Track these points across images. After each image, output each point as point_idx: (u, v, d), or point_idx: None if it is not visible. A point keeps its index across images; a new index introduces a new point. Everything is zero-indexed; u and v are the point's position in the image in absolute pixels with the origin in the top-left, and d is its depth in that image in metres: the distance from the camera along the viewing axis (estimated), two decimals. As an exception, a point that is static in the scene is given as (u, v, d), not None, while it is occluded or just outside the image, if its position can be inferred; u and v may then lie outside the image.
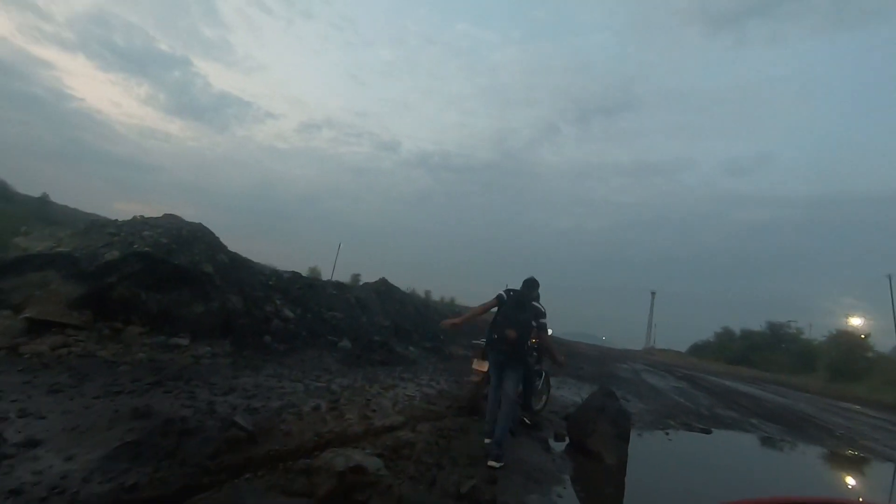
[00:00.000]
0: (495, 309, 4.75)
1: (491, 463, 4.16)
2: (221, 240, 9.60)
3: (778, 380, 32.23)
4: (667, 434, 7.92)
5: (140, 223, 8.69)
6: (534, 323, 4.62)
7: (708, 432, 8.82)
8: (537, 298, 4.82)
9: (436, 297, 53.02)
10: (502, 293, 4.69)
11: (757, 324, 54.73)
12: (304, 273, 17.42)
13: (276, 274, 10.93)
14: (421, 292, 50.09)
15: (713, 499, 4.41)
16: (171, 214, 9.65)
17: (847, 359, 38.87)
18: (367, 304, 12.64)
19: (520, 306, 4.56)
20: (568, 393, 10.47)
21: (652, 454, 6.36)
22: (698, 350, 68.55)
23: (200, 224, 9.32)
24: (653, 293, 71.08)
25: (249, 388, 5.31)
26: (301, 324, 9.37)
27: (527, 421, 5.98)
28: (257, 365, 6.77)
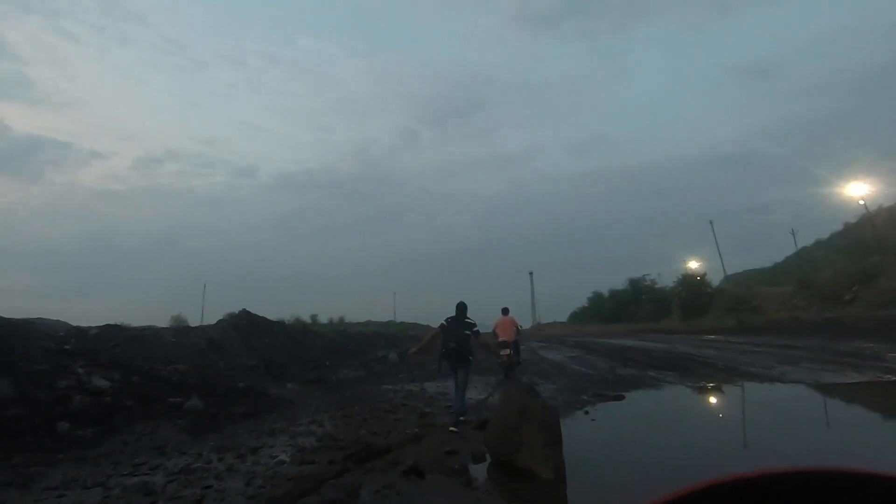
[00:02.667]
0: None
1: (453, 427, 5.94)
2: None
3: (649, 328, 35.75)
4: (586, 413, 7.25)
5: None
6: (468, 332, 6.43)
7: (621, 398, 8.47)
8: (466, 314, 6.64)
9: (323, 319, 49.60)
10: (444, 322, 6.58)
11: (620, 283, 60.52)
12: (167, 324, 14.18)
13: (76, 333, 8.12)
14: (307, 317, 46.44)
15: (680, 481, 3.66)
16: None
17: (693, 297, 44.53)
18: (224, 345, 10.30)
19: (457, 325, 6.46)
20: (474, 391, 9.47)
21: (584, 445, 5.52)
22: (577, 317, 73.99)
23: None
24: (531, 273, 75.27)
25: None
26: (123, 392, 6.95)
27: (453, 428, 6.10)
28: (33, 475, 4.47)
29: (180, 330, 10.35)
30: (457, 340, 6.30)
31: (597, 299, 68.62)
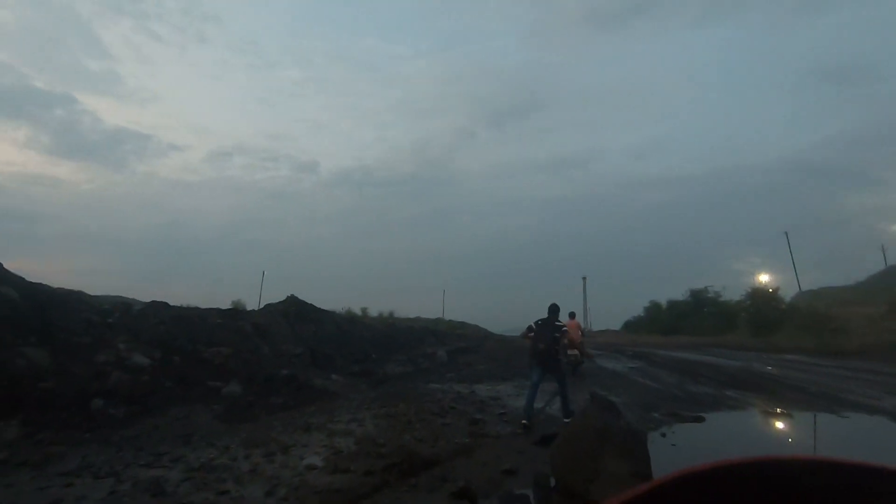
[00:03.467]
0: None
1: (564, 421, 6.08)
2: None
3: (714, 342, 33.07)
4: (663, 436, 6.23)
5: None
6: (557, 335, 6.45)
7: (700, 420, 7.33)
8: (557, 317, 6.75)
9: (373, 312, 49.96)
10: (532, 324, 6.59)
11: (679, 293, 57.10)
12: (227, 307, 14.31)
13: (122, 307, 8.00)
14: (357, 310, 46.93)
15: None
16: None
17: (763, 313, 41.17)
18: (270, 330, 10.02)
19: (546, 328, 6.43)
20: (520, 401, 8.60)
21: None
22: (631, 326, 70.67)
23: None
24: (584, 278, 72.59)
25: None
26: (162, 372, 6.68)
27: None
28: (54, 455, 4.12)
29: (227, 312, 10.18)
30: (546, 342, 6.39)
31: (654, 309, 65.16)
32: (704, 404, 8.72)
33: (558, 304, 6.90)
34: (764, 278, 50.87)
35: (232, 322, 9.21)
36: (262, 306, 12.09)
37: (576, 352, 12.34)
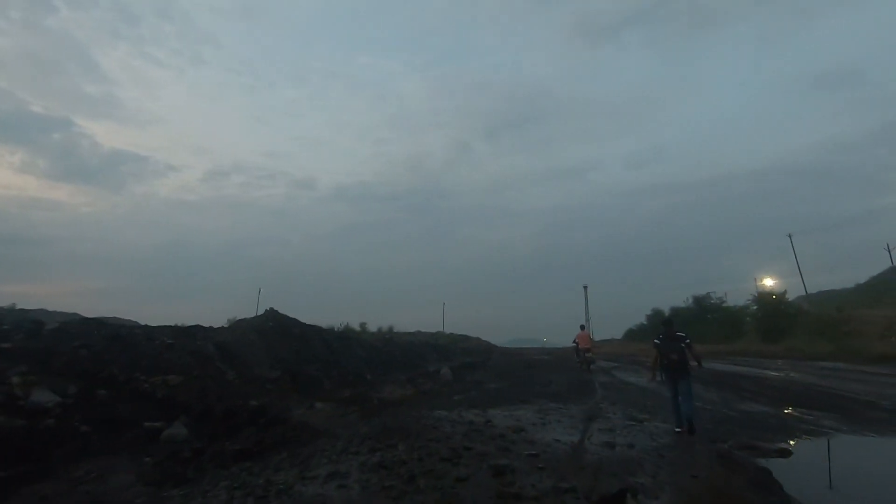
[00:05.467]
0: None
1: (688, 431, 6.48)
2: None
3: (728, 350, 31.42)
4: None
5: None
6: (682, 345, 6.82)
7: (786, 454, 5.67)
8: (675, 329, 7.10)
9: (373, 327, 48.01)
10: (656, 340, 7.12)
11: (682, 300, 55.85)
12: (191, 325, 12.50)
13: (30, 327, 6.18)
14: (356, 325, 44.92)
15: None
16: None
17: (772, 318, 40.03)
18: (240, 351, 8.29)
19: (670, 340, 6.90)
20: (549, 432, 6.91)
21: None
22: (633, 335, 69.40)
23: None
24: (585, 287, 71.18)
25: None
26: (78, 412, 4.96)
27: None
28: None
29: (183, 331, 8.41)
30: (677, 353, 6.75)
31: (656, 317, 63.77)
32: (773, 429, 7.08)
33: (670, 318, 7.75)
34: (769, 282, 49.79)
35: (188, 342, 7.47)
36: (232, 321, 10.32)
37: (589, 355, 17.05)
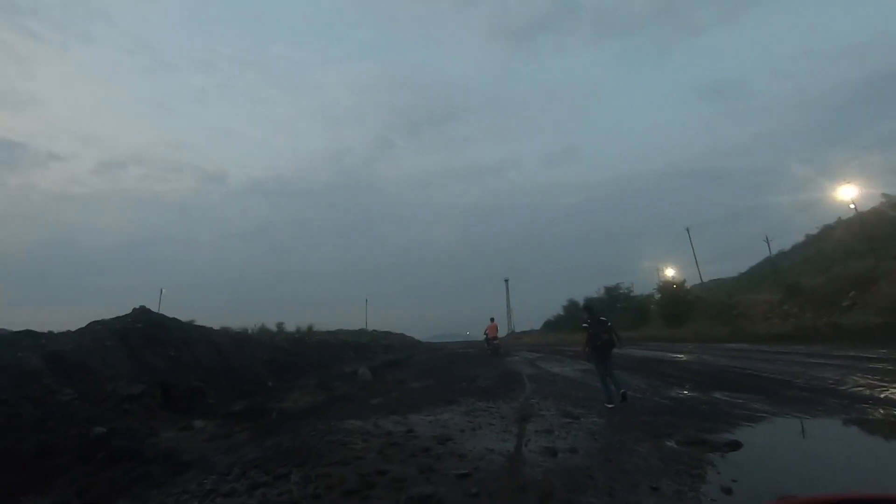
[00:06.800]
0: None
1: (622, 399, 7.29)
2: None
3: (638, 336, 33.06)
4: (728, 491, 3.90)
5: None
6: (609, 326, 7.67)
7: (737, 446, 5.17)
8: (599, 313, 8.06)
9: (291, 327, 44.53)
10: (584, 325, 7.84)
11: (594, 291, 59.10)
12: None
13: None
14: (272, 326, 41.28)
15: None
16: None
17: (673, 305, 43.41)
18: (85, 362, 6.38)
19: (599, 324, 7.64)
20: (481, 440, 5.99)
21: None
22: (552, 326, 72.11)
23: None
24: (506, 280, 72.87)
25: None
26: None
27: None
28: None
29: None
30: (607, 333, 7.46)
31: (572, 307, 66.91)
32: (710, 417, 6.70)
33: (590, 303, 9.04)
34: (670, 272, 54.16)
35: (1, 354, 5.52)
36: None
37: (497, 343, 20.66)
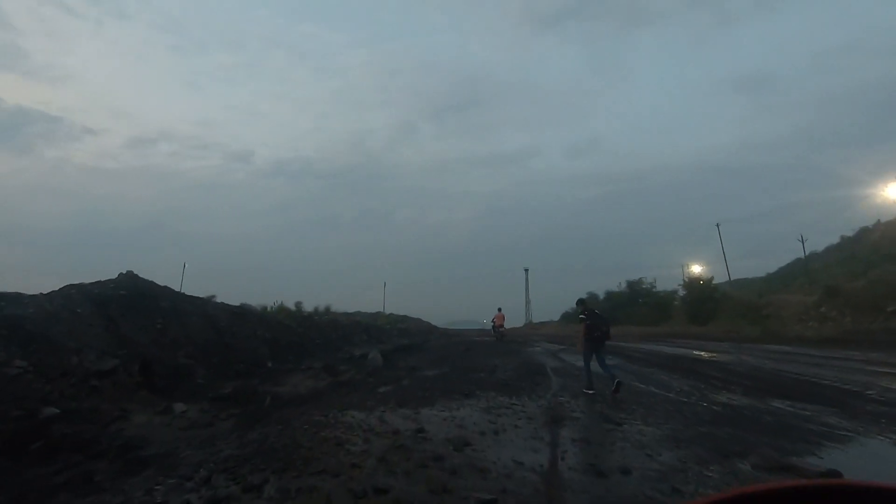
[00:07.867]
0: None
1: (614, 391, 7.47)
2: None
3: (664, 332, 31.62)
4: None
5: None
6: (607, 320, 8.23)
7: (837, 477, 4.06)
8: (593, 307, 8.61)
9: (309, 307, 44.05)
10: (582, 316, 8.21)
11: (614, 285, 57.52)
12: None
13: None
14: (291, 305, 40.77)
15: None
16: None
17: (699, 302, 41.89)
18: (48, 330, 5.55)
19: (597, 317, 8.12)
20: (505, 447, 4.96)
21: None
22: (569, 318, 70.84)
23: None
24: (526, 269, 71.45)
25: None
26: None
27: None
28: None
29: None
30: (606, 325, 8.02)
31: (590, 300, 65.27)
32: (780, 433, 5.56)
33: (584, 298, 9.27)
34: (696, 269, 52.33)
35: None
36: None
37: (503, 330, 22.95)
